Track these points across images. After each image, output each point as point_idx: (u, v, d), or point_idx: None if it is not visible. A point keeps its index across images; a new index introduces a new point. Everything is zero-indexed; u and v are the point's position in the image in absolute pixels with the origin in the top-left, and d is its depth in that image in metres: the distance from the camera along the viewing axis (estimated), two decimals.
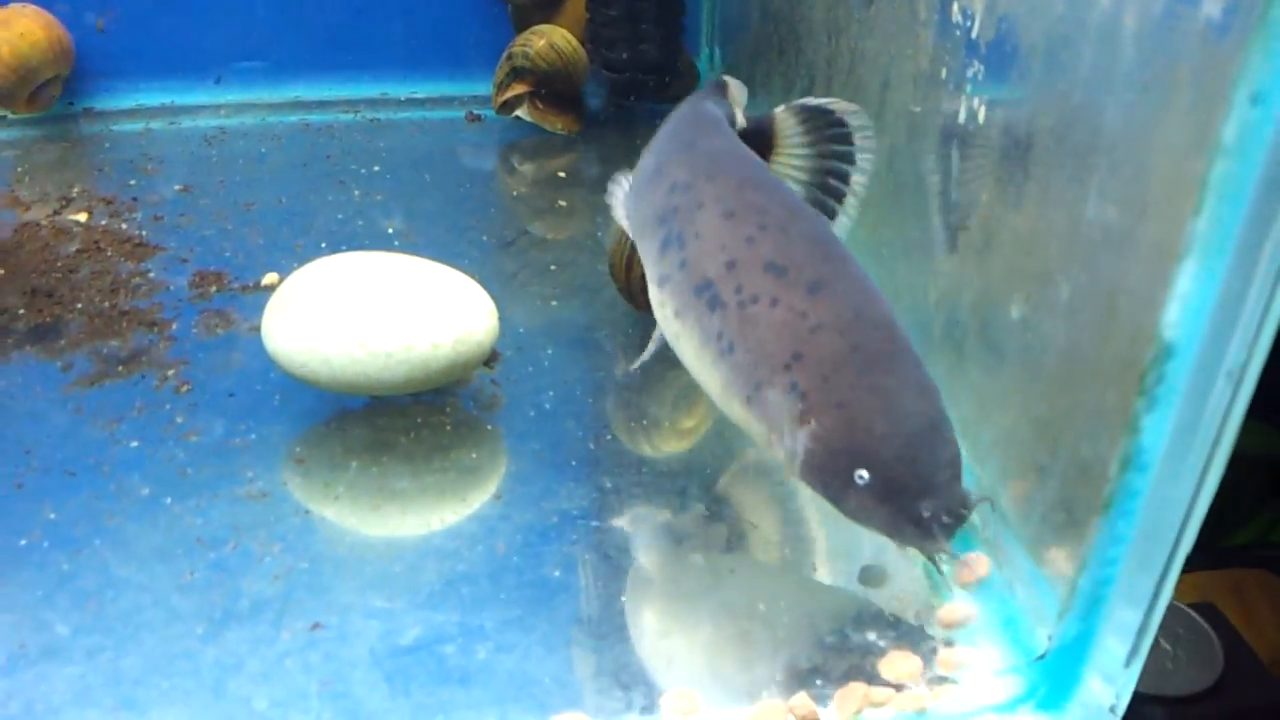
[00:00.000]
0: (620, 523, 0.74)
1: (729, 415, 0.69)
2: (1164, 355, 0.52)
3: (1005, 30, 0.65)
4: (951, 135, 0.72)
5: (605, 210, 1.14)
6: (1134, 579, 0.59)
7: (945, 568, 0.65)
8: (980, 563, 0.68)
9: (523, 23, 1.40)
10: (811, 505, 0.74)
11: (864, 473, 0.61)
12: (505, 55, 1.31)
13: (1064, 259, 0.60)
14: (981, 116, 0.69)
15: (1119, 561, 0.58)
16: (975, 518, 0.70)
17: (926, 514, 0.60)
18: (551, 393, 0.87)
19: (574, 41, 1.29)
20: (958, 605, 0.66)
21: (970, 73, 0.69)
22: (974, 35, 0.69)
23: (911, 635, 0.66)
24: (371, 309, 0.79)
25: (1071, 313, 0.60)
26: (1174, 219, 0.50)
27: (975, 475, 0.71)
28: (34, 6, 1.30)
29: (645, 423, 0.85)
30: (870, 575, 0.70)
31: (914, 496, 0.60)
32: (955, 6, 0.71)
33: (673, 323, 0.72)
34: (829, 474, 0.62)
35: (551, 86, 1.30)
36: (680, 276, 0.71)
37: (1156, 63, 0.52)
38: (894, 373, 0.63)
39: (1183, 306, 0.50)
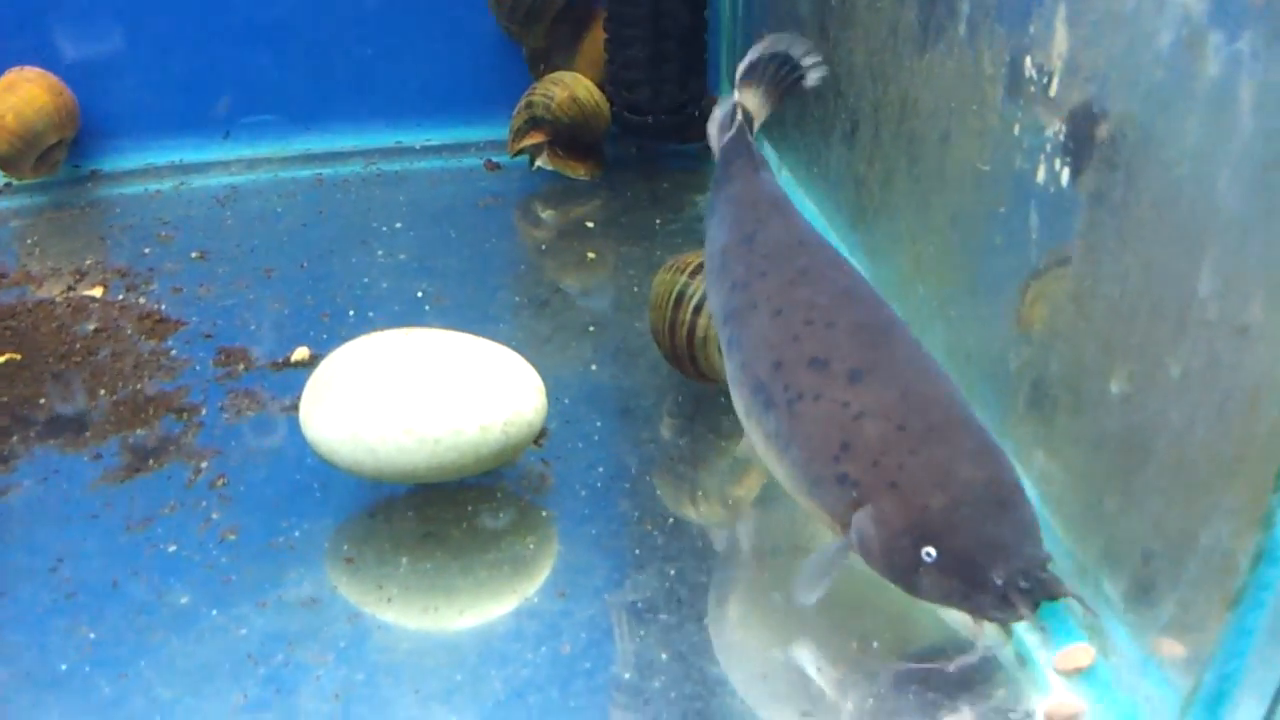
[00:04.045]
0: (691, 617, 0.70)
1: (803, 509, 0.68)
2: None
3: (1092, 92, 0.61)
4: (1029, 196, 0.68)
5: (637, 263, 1.12)
6: (1261, 670, 0.55)
7: (1038, 655, 0.64)
8: (1084, 652, 0.64)
9: (538, 66, 1.36)
10: (895, 593, 0.70)
11: (930, 550, 0.60)
12: (524, 102, 1.27)
13: (1173, 337, 0.56)
14: (1065, 179, 0.65)
15: (1246, 654, 0.55)
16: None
17: (1000, 581, 0.58)
18: (602, 469, 0.84)
19: (596, 94, 1.26)
20: (1067, 700, 0.63)
21: (1050, 132, 0.66)
22: (1052, 94, 0.65)
23: None
24: (417, 393, 0.75)
25: (1184, 395, 0.56)
26: None
27: (1075, 558, 0.67)
28: (38, 70, 1.26)
29: (701, 496, 0.81)
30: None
31: (984, 565, 0.59)
32: (1028, 61, 0.67)
33: (744, 421, 0.72)
34: (894, 556, 0.61)
35: (571, 136, 1.27)
36: (741, 378, 0.71)
37: None
38: (946, 445, 0.62)
39: None
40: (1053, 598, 0.59)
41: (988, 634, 0.64)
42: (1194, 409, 0.55)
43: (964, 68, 0.75)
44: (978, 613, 0.61)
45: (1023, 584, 0.58)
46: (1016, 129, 0.69)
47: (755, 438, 0.70)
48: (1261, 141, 0.49)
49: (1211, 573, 0.55)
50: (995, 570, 0.59)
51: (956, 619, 0.66)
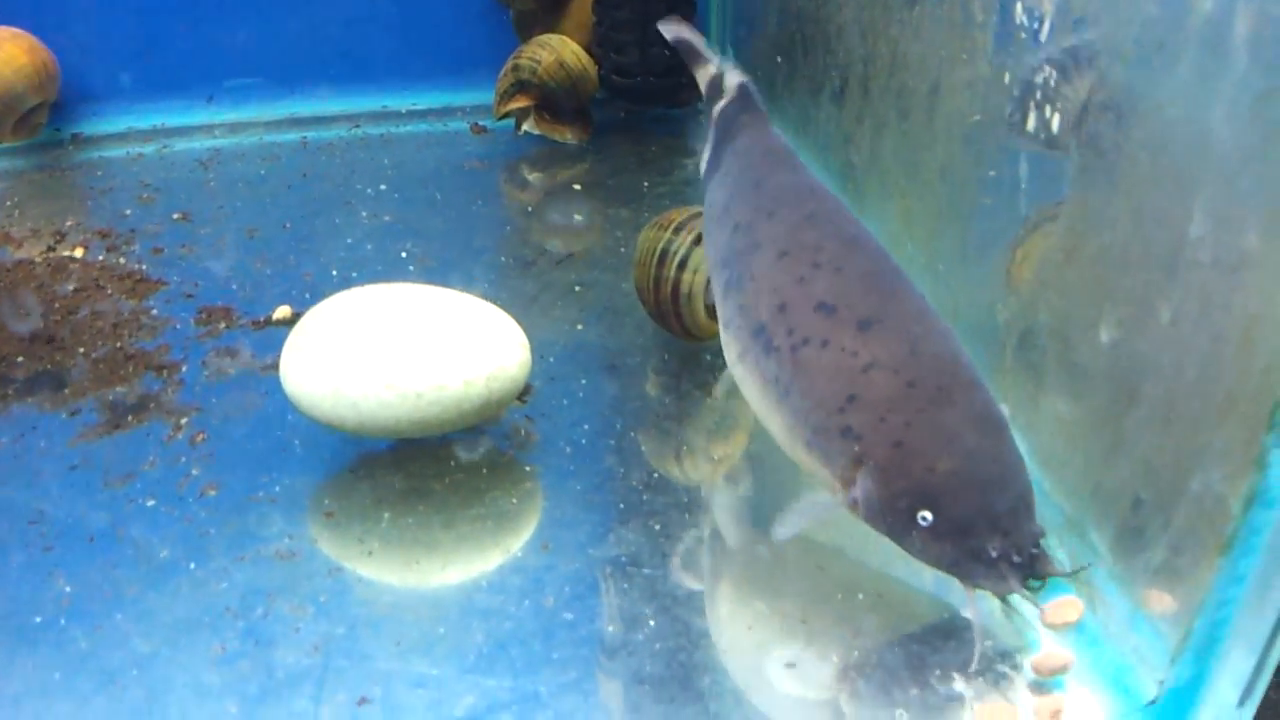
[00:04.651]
0: (676, 570, 0.70)
1: (794, 459, 0.65)
2: None
3: (1084, 34, 0.60)
4: (1018, 145, 0.67)
5: (623, 224, 1.11)
6: (1252, 617, 0.55)
7: (1027, 609, 0.63)
8: (1072, 606, 0.64)
9: (525, 28, 1.35)
10: (880, 544, 0.69)
11: (926, 513, 0.59)
12: (511, 65, 1.26)
13: (1163, 281, 0.55)
14: (1056, 126, 0.64)
15: (1237, 601, 0.54)
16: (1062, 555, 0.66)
17: (994, 553, 0.58)
18: (587, 426, 0.83)
19: (584, 58, 1.24)
20: (1055, 652, 0.62)
21: (1040, 79, 0.65)
22: (1043, 38, 0.64)
23: (1000, 684, 0.62)
24: (399, 347, 0.74)
25: (1174, 338, 0.55)
26: None
27: (1062, 510, 0.66)
28: (16, 30, 1.24)
29: (687, 453, 0.80)
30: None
31: (980, 535, 0.58)
32: (1019, 7, 0.66)
33: (737, 367, 0.70)
34: (891, 516, 0.60)
35: (557, 101, 1.25)
36: (740, 321, 0.69)
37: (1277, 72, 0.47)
38: (955, 408, 0.60)
39: None
40: (1043, 576, 0.58)
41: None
42: (1185, 352, 0.54)
43: (954, 16, 0.74)
44: (966, 580, 0.60)
45: (1016, 558, 0.58)
46: (1007, 77, 0.69)
47: (749, 384, 0.68)
48: (1258, 73, 0.48)
49: (1201, 519, 0.54)
50: (991, 542, 0.58)
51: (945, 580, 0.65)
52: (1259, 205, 0.49)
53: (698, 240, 0.84)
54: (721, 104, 0.85)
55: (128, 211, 1.15)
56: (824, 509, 0.64)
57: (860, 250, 0.68)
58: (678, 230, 0.86)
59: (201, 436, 0.81)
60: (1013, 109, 0.68)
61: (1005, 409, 0.62)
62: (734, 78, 0.86)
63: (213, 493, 0.76)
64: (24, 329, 0.92)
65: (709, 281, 0.83)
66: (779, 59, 1.10)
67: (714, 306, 0.86)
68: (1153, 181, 0.56)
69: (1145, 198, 0.57)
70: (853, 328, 0.62)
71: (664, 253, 0.86)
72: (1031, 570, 0.58)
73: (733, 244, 0.72)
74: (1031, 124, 0.66)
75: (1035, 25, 0.65)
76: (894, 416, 0.60)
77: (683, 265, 0.85)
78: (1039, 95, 0.65)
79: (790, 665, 0.63)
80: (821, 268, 0.66)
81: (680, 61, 1.27)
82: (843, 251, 0.67)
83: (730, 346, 0.70)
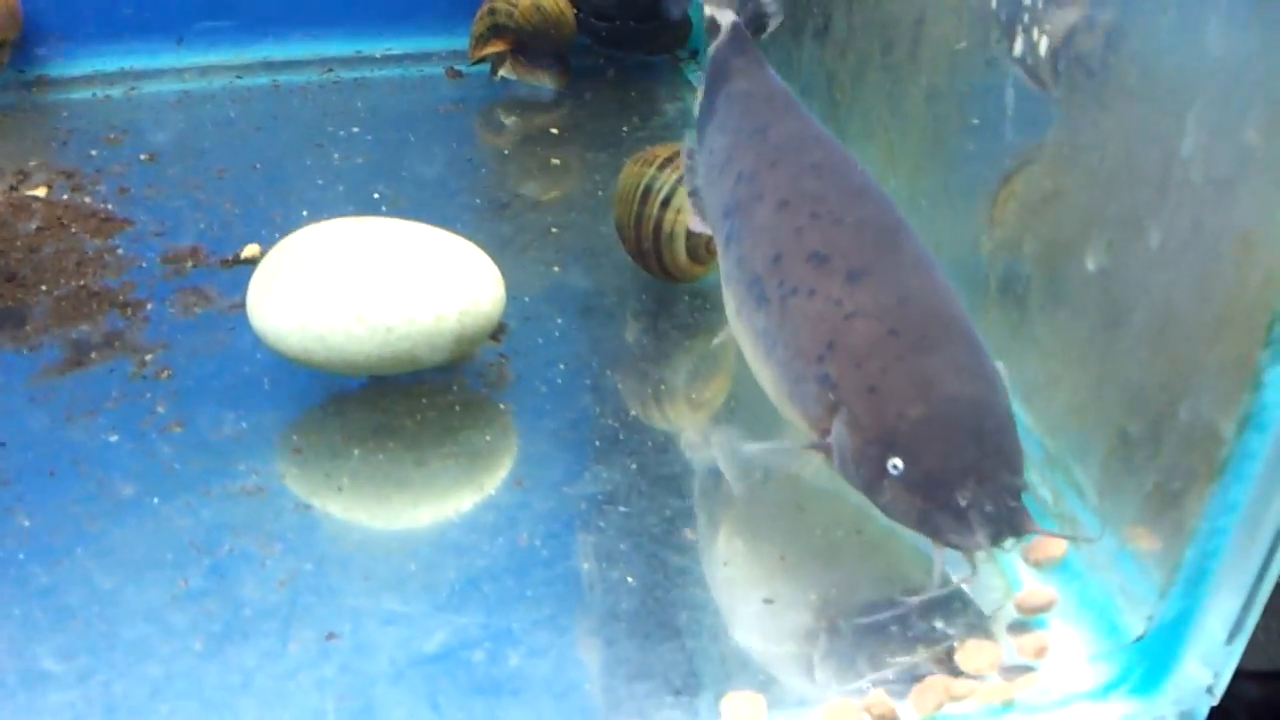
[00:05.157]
0: (652, 509, 0.68)
1: (784, 415, 0.64)
2: None
3: None
4: (1005, 72, 0.66)
5: (602, 168, 1.09)
6: (1243, 549, 0.53)
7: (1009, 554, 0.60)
8: (1055, 542, 0.62)
9: None
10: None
11: (897, 461, 0.56)
12: (487, 9, 1.23)
13: (1154, 202, 0.54)
14: (1044, 49, 0.62)
15: (1228, 531, 0.53)
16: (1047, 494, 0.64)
17: (964, 503, 0.54)
18: (563, 366, 0.81)
19: (561, 2, 1.22)
20: (1038, 590, 0.61)
21: (1028, 1, 0.63)
22: None
23: (983, 622, 0.61)
24: (368, 280, 0.72)
25: (1165, 261, 0.54)
26: None
27: (1046, 448, 0.65)
28: None
29: (665, 394, 0.79)
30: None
31: (950, 484, 0.55)
32: None
33: (735, 322, 0.68)
34: (861, 463, 0.57)
35: (534, 45, 1.23)
36: (736, 274, 0.67)
37: None
38: (938, 356, 0.58)
39: None
40: (1017, 534, 0.55)
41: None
42: (1176, 274, 0.53)
43: None
44: (935, 535, 0.56)
45: (988, 508, 0.54)
46: (994, 1, 0.67)
47: (744, 341, 0.66)
48: None
49: (1192, 448, 0.53)
50: (961, 491, 0.55)
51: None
52: (1258, 114, 0.47)
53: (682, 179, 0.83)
54: (714, 44, 0.83)
55: (93, 152, 1.12)
56: (779, 457, 0.61)
57: (862, 201, 0.66)
58: (662, 166, 0.84)
59: (167, 373, 0.79)
60: (999, 34, 0.66)
61: (1002, 368, 0.59)
62: (726, 16, 0.83)
63: (178, 429, 0.74)
64: None
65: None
66: None
67: (695, 248, 0.85)
68: (1143, 100, 0.54)
69: (1135, 118, 0.55)
70: (842, 277, 0.61)
71: (647, 189, 0.84)
72: (1007, 526, 0.55)
73: (735, 194, 0.70)
74: (1018, 48, 0.64)
75: None
76: (871, 363, 0.58)
77: (666, 203, 0.83)
78: (1026, 18, 0.63)
79: (768, 602, 0.62)
80: (820, 218, 0.64)
81: (661, 4, 1.26)
82: (843, 202, 0.65)
83: (729, 301, 0.68)
